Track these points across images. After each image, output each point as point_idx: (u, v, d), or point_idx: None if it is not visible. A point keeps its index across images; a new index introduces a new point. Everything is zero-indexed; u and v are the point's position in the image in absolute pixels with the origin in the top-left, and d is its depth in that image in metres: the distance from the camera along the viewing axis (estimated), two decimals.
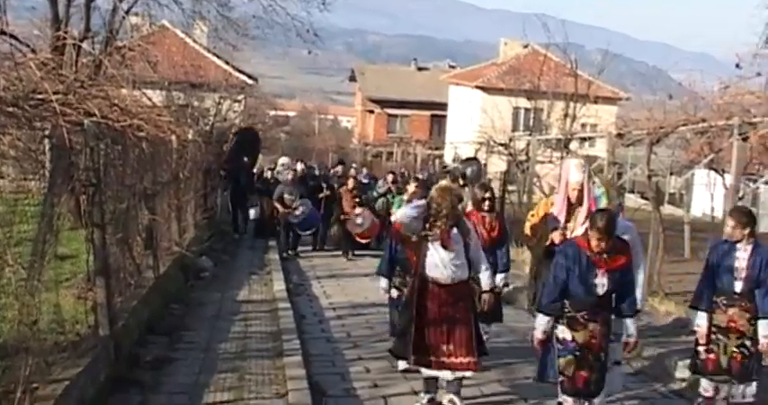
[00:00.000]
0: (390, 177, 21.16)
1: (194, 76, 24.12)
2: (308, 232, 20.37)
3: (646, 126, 15.45)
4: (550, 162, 22.23)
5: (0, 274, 5.90)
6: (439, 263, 7.89)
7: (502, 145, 24.90)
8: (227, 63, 29.91)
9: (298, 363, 9.37)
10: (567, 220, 8.63)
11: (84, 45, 15.71)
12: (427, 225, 7.89)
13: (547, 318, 7.42)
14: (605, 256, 7.21)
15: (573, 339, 7.33)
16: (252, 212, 22.26)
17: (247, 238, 22.51)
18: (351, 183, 20.31)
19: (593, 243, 7.17)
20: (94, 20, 17.62)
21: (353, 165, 33.11)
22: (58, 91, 6.87)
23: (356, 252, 19.91)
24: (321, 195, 20.70)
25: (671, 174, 26.06)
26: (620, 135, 17.04)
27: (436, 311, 7.92)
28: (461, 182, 10.50)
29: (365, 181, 22.71)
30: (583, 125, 28.09)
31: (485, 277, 8.31)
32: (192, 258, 15.19)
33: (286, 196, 19.69)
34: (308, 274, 17.56)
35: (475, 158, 13.75)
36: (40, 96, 6.48)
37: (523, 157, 23.04)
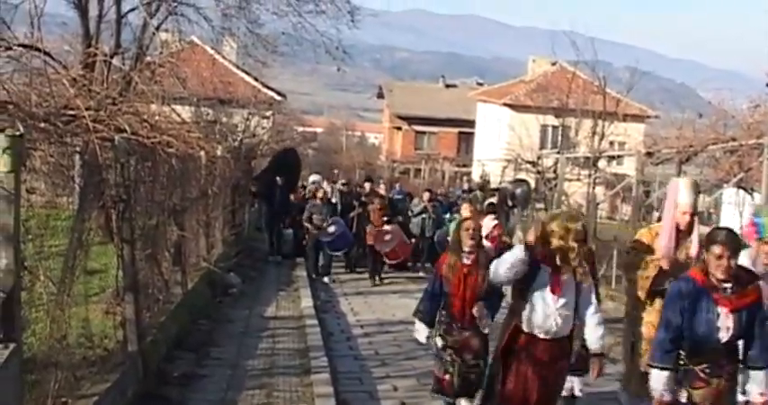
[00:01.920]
0: (427, 196, 20.39)
1: (223, 93, 24.19)
2: (340, 253, 19.18)
3: (675, 145, 15.40)
4: (578, 180, 22.15)
5: (31, 289, 5.92)
6: (543, 313, 6.57)
7: (529, 162, 24.87)
8: (256, 79, 30.10)
9: (325, 380, 9.33)
10: (676, 253, 7.28)
11: (115, 61, 15.78)
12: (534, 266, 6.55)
13: (666, 373, 5.85)
14: (729, 290, 5.73)
15: (691, 401, 5.93)
16: (286, 234, 21.98)
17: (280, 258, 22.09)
18: (377, 202, 19.17)
19: (714, 266, 5.70)
20: (125, 36, 17.82)
21: (381, 181, 33.05)
22: (90, 107, 6.91)
23: (384, 275, 18.86)
24: (352, 214, 19.62)
25: (699, 192, 25.86)
26: (649, 154, 16.97)
27: (529, 372, 6.66)
28: (509, 203, 10.40)
29: (398, 197, 22.44)
30: (611, 143, 27.98)
31: (595, 335, 6.74)
32: (220, 274, 15.18)
33: (315, 216, 18.79)
34: (335, 290, 17.54)
35: (524, 180, 13.64)
36: (71, 112, 6.52)
37: (551, 175, 22.98)
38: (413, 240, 19.46)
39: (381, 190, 23.00)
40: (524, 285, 6.61)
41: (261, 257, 21.37)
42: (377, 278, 18.52)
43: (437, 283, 8.19)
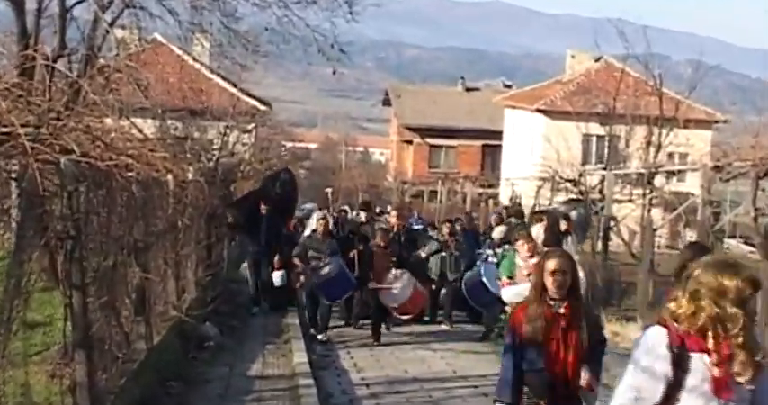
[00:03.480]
0: (447, 229, 19.59)
1: (194, 102, 24.24)
2: (339, 300, 18.07)
3: (750, 155, 15.33)
4: (630, 201, 22.12)
5: None
6: None
7: (570, 181, 24.85)
8: (235, 86, 30.15)
9: None
10: None
11: (59, 65, 15.71)
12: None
13: None
14: None
15: None
16: (276, 277, 20.37)
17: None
18: (379, 236, 18.06)
19: None
20: (71, 34, 17.68)
21: (389, 208, 32.99)
22: (28, 123, 6.89)
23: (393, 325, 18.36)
24: (352, 253, 18.05)
25: None
26: (717, 167, 16.94)
27: None
28: (562, 227, 10.21)
29: (416, 227, 22.21)
30: (670, 155, 28.04)
31: None
32: (194, 324, 15.14)
33: (312, 254, 17.90)
34: (334, 341, 17.46)
35: (579, 200, 13.52)
36: (5, 130, 6.49)
37: (597, 196, 22.92)
38: (433, 287, 18.86)
39: (392, 219, 20.81)
40: (670, 390, 5.02)
41: (243, 303, 21.33)
42: (384, 328, 17.88)
43: (517, 351, 7.22)
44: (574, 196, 19.02)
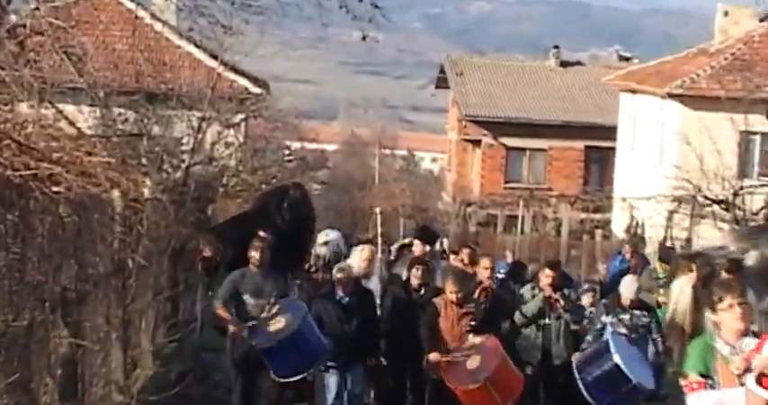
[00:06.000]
0: (549, 278, 18.45)
1: (154, 82, 24.29)
2: (298, 377, 16.56)
3: None
4: None
5: None
6: None
7: (719, 202, 24.74)
8: (215, 57, 30.19)
9: None
10: None
11: None
12: None
13: None
14: None
15: None
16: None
17: None
18: (451, 286, 16.71)
19: None
20: None
21: (445, 242, 32.87)
22: None
23: None
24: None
25: None
26: None
27: None
28: (737, 282, 9.50)
29: (503, 275, 21.77)
30: None
31: None
32: None
33: (247, 297, 16.72)
34: None
35: (759, 236, 13.01)
36: None
37: (762, 223, 22.86)
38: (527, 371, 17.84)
39: (459, 263, 20.27)
40: None
41: (224, 383, 21.30)
42: None
43: None
44: (727, 224, 18.72)
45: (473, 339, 16.12)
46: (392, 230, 52.64)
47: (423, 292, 17.74)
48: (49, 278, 10.66)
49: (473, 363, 15.69)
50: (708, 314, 9.69)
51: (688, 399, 9.30)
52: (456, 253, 21.99)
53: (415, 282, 17.78)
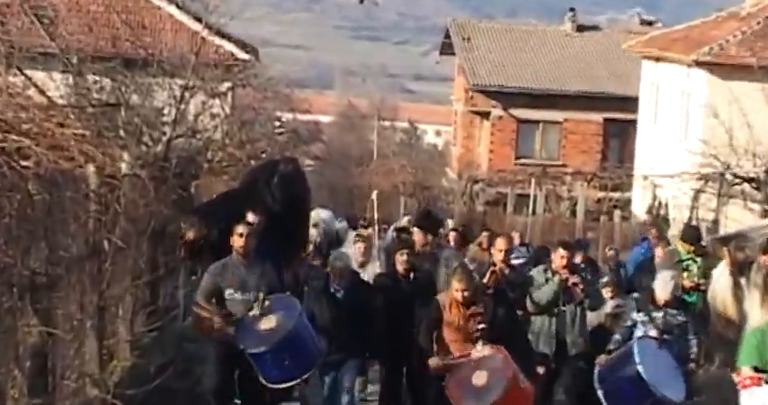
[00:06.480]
0: (563, 259, 17.92)
1: (132, 47, 24.25)
2: (284, 384, 16.15)
3: None
4: None
5: None
6: None
7: (749, 180, 24.70)
8: (199, 20, 30.16)
9: None
10: None
11: None
12: None
13: None
14: None
15: None
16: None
17: None
18: (458, 284, 15.79)
19: None
20: None
21: (448, 223, 32.73)
22: None
23: None
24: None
25: None
26: None
27: None
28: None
29: (518, 261, 21.34)
30: None
31: None
32: None
33: (229, 293, 16.17)
34: None
35: None
36: None
37: None
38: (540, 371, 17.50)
39: (477, 247, 20.76)
40: None
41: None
42: None
43: None
44: (758, 204, 18.59)
45: (480, 350, 15.42)
46: (392, 211, 52.63)
47: (412, 277, 17.61)
48: (17, 261, 10.57)
49: (479, 379, 15.19)
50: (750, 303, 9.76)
51: (741, 397, 9.60)
52: (457, 231, 21.89)
53: (400, 268, 17.58)
